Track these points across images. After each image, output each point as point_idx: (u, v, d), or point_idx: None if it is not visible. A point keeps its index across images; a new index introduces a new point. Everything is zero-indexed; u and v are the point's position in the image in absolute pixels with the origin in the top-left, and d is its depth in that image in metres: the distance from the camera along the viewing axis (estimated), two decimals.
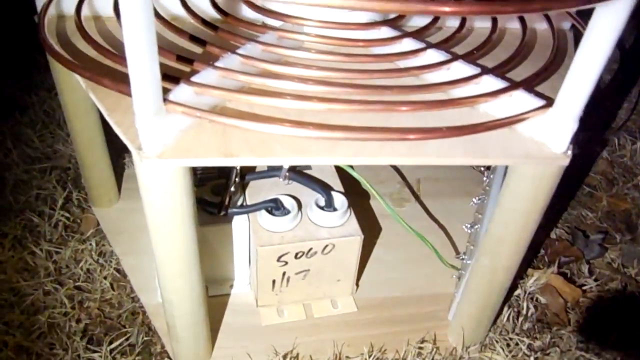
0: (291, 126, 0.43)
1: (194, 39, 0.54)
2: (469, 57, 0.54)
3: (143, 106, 0.38)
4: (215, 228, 0.62)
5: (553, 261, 0.76)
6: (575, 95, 0.43)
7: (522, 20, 0.63)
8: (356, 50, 0.56)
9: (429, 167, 0.90)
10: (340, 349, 0.62)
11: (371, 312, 0.67)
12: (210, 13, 0.60)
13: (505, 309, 0.68)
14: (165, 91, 0.41)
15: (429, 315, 0.67)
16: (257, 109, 0.46)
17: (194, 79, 0.45)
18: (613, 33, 0.39)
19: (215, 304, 0.65)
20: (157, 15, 0.56)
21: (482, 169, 0.89)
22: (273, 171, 0.67)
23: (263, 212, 0.62)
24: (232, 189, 0.63)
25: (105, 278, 0.68)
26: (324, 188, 0.65)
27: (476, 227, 0.62)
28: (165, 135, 0.41)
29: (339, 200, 0.64)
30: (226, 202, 0.62)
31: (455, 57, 0.53)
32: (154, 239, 0.47)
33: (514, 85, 0.49)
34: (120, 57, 0.47)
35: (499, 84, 0.50)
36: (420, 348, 0.63)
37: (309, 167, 0.70)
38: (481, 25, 0.65)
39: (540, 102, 0.47)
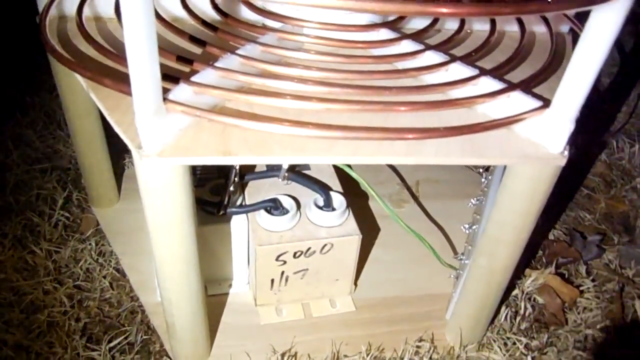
0: (290, 125, 0.43)
1: (194, 39, 0.54)
2: (468, 59, 0.54)
3: (143, 105, 0.39)
4: (214, 228, 0.62)
5: (551, 262, 0.76)
6: (571, 96, 0.44)
7: (520, 23, 0.64)
8: (355, 51, 0.56)
9: (428, 168, 0.90)
10: (338, 347, 0.62)
11: (369, 312, 0.67)
12: (211, 14, 0.60)
13: (503, 308, 0.68)
14: (165, 91, 0.41)
15: (427, 314, 0.67)
16: (256, 109, 0.46)
17: (193, 78, 0.45)
18: (610, 35, 0.39)
19: (214, 303, 0.65)
20: (158, 16, 0.57)
21: (481, 170, 0.90)
22: (272, 171, 0.67)
23: (262, 211, 0.62)
24: (231, 188, 0.63)
25: (104, 277, 0.69)
26: (323, 188, 0.65)
27: (474, 227, 0.62)
28: (165, 134, 0.42)
29: (338, 200, 0.64)
30: (225, 202, 0.62)
31: (453, 59, 0.53)
32: (153, 238, 0.47)
33: (511, 87, 0.49)
34: (121, 58, 0.47)
35: (497, 85, 0.50)
36: (418, 347, 0.63)
37: (307, 167, 0.70)
38: (480, 28, 0.65)
39: (537, 103, 0.47)
